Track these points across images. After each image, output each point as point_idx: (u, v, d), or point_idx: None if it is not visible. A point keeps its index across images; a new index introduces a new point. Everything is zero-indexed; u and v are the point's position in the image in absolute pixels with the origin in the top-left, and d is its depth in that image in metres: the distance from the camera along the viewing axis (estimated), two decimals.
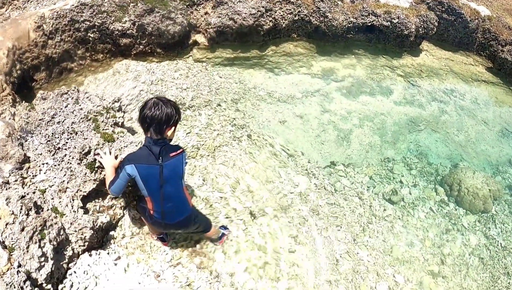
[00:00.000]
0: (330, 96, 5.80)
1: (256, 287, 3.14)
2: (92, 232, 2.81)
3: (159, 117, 2.32)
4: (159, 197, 2.51)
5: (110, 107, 3.58)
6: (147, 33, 5.18)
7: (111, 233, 3.06)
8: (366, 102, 5.94)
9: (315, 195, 4.19)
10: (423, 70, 7.26)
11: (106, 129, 3.30)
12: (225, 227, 3.43)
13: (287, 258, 3.45)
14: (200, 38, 5.90)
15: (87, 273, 2.67)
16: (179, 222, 2.69)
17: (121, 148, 3.13)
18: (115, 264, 2.85)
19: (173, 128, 2.42)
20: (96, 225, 2.87)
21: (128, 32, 5.03)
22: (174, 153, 2.48)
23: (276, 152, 4.57)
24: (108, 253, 2.90)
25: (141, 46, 5.25)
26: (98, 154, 2.93)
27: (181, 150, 2.54)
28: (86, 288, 2.61)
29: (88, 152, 3.02)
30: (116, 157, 2.85)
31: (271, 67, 5.98)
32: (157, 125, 2.35)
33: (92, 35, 4.77)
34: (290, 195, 4.08)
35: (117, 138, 3.25)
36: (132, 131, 3.79)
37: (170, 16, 5.31)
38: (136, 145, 3.20)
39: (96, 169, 2.99)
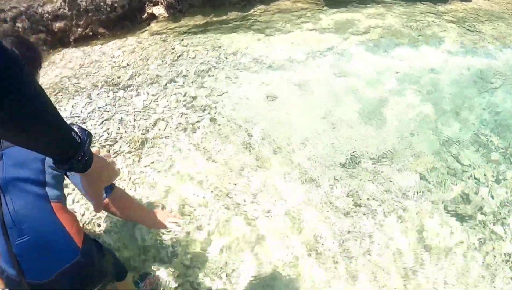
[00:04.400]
0: (348, 53, 3.66)
1: None
2: None
3: None
4: None
5: None
6: (81, 10, 3.85)
7: None
8: (405, 56, 3.70)
9: (313, 217, 2.17)
10: (480, 14, 4.79)
11: None
12: (142, 278, 1.83)
13: None
14: (158, 10, 4.10)
15: None
16: (53, 281, 1.10)
17: None
18: None
19: None
20: None
21: (60, 12, 3.82)
22: None
23: (253, 144, 2.61)
24: None
25: (79, 29, 3.94)
26: None
27: None
28: None
29: None
30: None
31: (261, 27, 4.00)
32: None
33: (21, 25, 3.71)
34: (264, 220, 2.11)
35: None
36: None
37: None
38: None
39: None
